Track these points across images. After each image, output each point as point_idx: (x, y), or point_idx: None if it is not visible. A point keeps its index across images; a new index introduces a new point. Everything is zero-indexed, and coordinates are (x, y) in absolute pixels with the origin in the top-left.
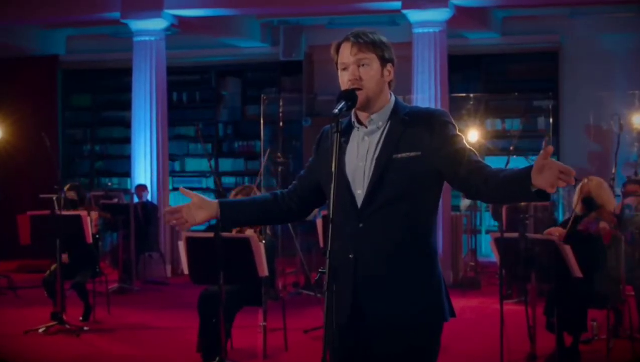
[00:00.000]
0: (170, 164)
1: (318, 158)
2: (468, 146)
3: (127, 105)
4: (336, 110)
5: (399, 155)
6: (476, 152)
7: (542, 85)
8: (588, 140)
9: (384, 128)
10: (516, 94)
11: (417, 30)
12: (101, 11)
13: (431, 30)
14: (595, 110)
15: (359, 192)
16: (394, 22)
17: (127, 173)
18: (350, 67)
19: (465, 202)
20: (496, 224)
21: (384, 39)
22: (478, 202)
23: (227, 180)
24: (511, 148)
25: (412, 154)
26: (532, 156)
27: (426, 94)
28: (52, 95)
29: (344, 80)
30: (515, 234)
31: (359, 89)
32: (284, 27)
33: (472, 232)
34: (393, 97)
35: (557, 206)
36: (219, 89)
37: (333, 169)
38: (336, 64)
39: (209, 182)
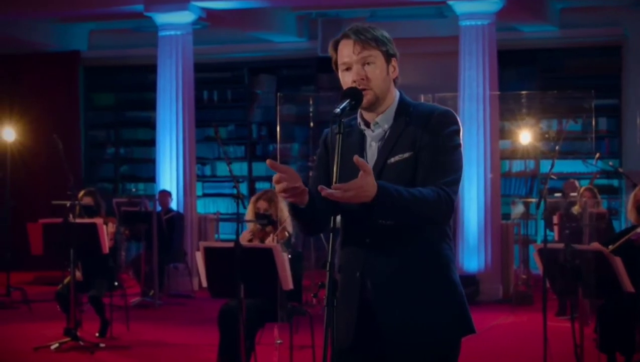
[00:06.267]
0: (200, 168)
1: (326, 164)
2: (450, 160)
3: (153, 105)
4: (338, 110)
5: (393, 160)
6: (456, 170)
7: (603, 82)
8: None
9: (388, 132)
10: (564, 91)
11: (464, 22)
12: (124, 3)
13: (479, 22)
14: None
15: None
16: (441, 14)
17: (153, 178)
18: (355, 67)
19: (516, 210)
20: (551, 233)
21: (385, 32)
22: (532, 209)
23: (262, 186)
24: (557, 149)
25: (406, 155)
26: (590, 160)
27: (474, 91)
28: (73, 94)
29: (347, 81)
30: (561, 245)
31: (366, 90)
32: (321, 20)
33: (524, 242)
34: (397, 95)
35: (619, 213)
36: (252, 87)
37: (335, 175)
38: (335, 63)
39: (242, 188)
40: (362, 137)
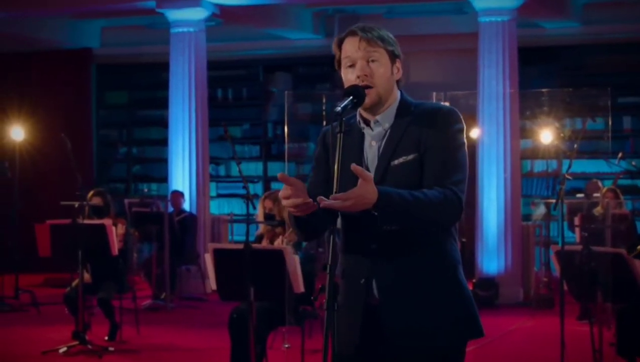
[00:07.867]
0: (214, 168)
1: (325, 165)
2: (456, 159)
3: (165, 103)
4: (339, 108)
5: (396, 162)
6: (461, 171)
7: (627, 79)
8: None
9: (388, 131)
10: (580, 89)
11: (484, 19)
12: None
13: (499, 18)
14: None
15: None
16: (460, 11)
17: (166, 178)
18: (359, 63)
19: (538, 211)
20: (574, 235)
21: (390, 34)
22: (552, 211)
23: (277, 186)
24: (575, 148)
25: (410, 157)
26: (612, 159)
27: (493, 89)
28: (85, 92)
29: (350, 78)
30: (579, 247)
31: (370, 87)
32: (338, 16)
33: (546, 244)
34: (399, 94)
35: None
36: (267, 85)
37: (335, 174)
38: (338, 61)
39: (257, 188)
40: (361, 136)
